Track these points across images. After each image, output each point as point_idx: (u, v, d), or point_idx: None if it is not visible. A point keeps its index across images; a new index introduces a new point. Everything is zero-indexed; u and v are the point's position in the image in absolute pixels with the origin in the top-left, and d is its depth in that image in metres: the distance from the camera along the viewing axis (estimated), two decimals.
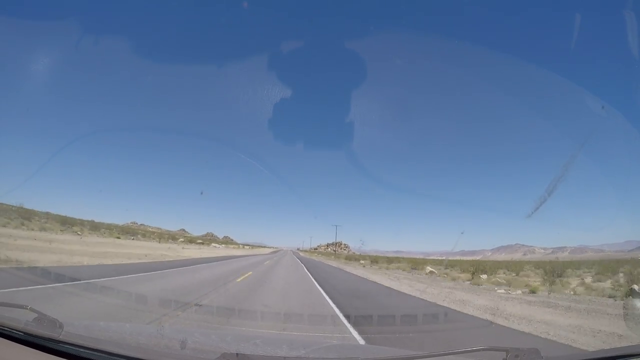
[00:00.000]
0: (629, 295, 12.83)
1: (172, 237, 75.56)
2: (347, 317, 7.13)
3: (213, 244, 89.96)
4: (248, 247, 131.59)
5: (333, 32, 51.39)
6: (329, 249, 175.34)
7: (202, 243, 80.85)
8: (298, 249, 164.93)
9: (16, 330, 1.75)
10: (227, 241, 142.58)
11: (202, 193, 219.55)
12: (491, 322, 7.96)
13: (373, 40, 42.57)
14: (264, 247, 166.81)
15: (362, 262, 46.89)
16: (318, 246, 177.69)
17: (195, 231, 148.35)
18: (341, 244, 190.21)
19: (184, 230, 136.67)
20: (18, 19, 34.93)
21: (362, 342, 5.21)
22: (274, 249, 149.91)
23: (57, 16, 43.43)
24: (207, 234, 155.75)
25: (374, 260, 47.51)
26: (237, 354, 1.65)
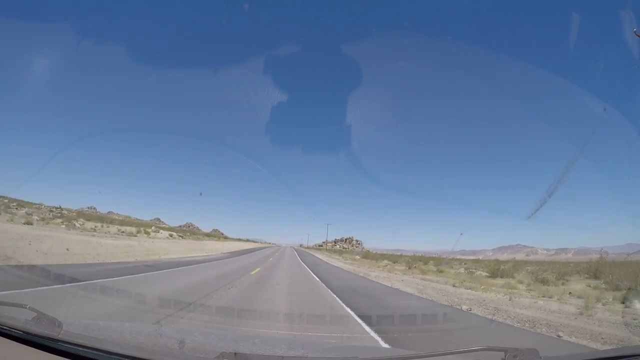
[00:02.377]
0: None
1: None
2: None
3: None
4: (175, 237, 56.04)
5: (331, 34, 51.41)
6: (337, 246, 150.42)
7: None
8: (301, 246, 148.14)
9: (15, 329, 1.76)
10: (216, 234, 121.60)
11: (201, 194, 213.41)
12: None
13: (372, 41, 42.38)
14: (254, 242, 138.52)
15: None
16: (323, 242, 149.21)
17: (173, 222, 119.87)
18: (352, 240, 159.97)
19: (158, 219, 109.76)
20: (23, 22, 35.35)
21: None
22: (261, 245, 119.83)
23: (59, 19, 43.77)
24: (187, 225, 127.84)
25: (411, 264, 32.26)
26: (235, 353, 1.65)
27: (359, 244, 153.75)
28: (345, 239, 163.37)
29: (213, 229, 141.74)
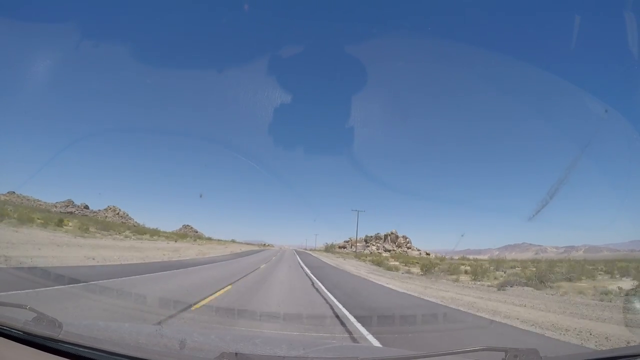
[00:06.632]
0: None
1: None
2: None
3: None
4: None
5: (333, 35, 51.39)
6: (372, 247, 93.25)
7: None
8: (326, 245, 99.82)
9: (15, 330, 1.76)
10: (182, 233, 79.22)
11: (201, 196, 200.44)
12: None
13: (373, 42, 42.33)
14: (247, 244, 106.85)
15: None
16: (347, 241, 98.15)
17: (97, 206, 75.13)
18: (397, 237, 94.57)
19: (86, 206, 72.91)
20: (25, 23, 35.65)
21: None
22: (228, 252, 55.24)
23: (61, 19, 44.33)
24: (109, 208, 77.42)
25: None
26: (236, 353, 1.64)
27: (407, 241, 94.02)
28: (385, 236, 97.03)
29: (183, 225, 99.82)
